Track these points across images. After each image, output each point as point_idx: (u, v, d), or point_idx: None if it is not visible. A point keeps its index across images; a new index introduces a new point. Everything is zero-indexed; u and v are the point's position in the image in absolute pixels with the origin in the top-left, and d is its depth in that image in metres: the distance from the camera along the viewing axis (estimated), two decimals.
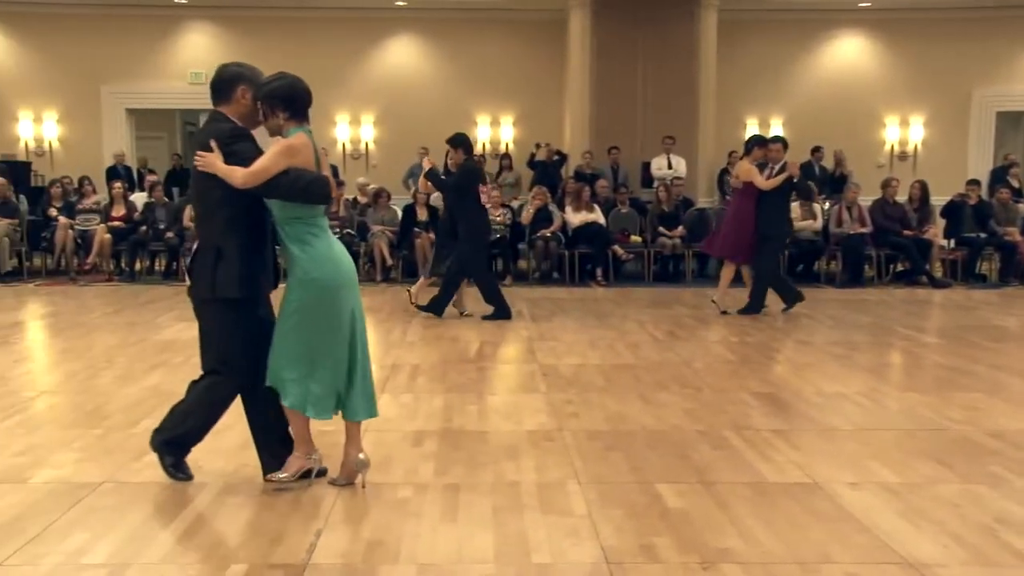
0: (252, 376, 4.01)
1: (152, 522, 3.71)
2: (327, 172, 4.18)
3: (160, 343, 7.56)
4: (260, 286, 4.05)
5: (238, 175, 3.83)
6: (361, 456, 4.06)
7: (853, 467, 4.45)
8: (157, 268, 12.95)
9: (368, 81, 16.30)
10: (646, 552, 3.43)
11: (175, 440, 4.16)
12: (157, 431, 4.20)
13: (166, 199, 13.12)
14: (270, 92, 4.00)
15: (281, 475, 4.06)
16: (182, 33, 16.19)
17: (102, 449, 4.60)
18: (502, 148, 16.17)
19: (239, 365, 4.03)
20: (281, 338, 3.95)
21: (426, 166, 9.14)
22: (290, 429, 4.07)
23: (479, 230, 9.00)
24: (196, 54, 16.16)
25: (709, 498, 4.00)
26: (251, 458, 4.45)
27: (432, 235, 12.12)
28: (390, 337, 7.97)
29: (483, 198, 9.36)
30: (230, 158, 3.87)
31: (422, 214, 12.39)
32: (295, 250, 3.92)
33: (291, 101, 4.02)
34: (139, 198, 13.65)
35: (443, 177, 9.15)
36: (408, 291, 9.54)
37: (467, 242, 8.81)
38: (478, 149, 16.01)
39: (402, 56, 16.37)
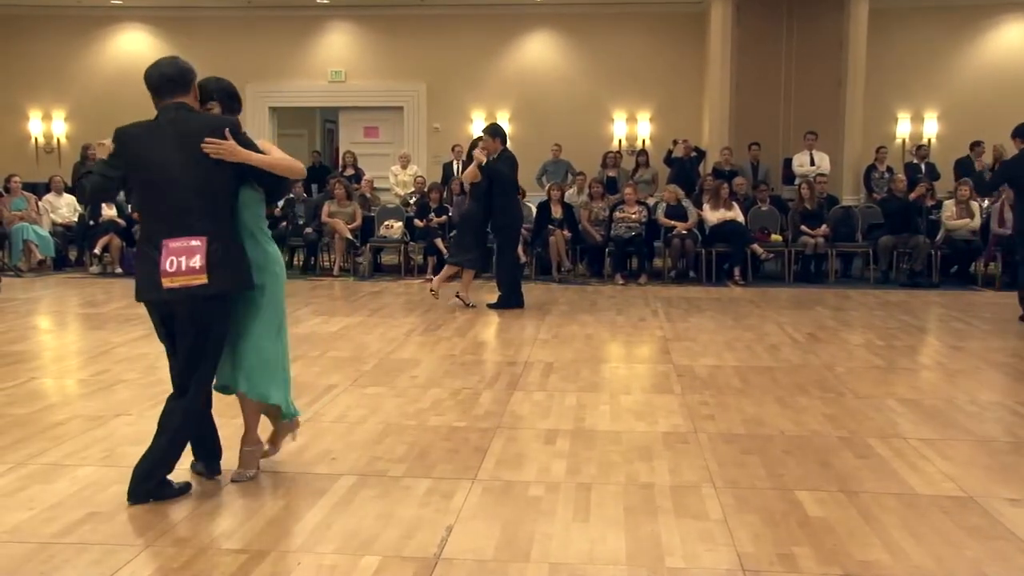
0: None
1: (288, 511, 3.83)
2: None
3: (297, 336, 7.81)
4: None
5: (282, 162, 3.98)
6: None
7: (1013, 482, 4.22)
8: (296, 263, 13.40)
9: (504, 78, 16.45)
10: (784, 561, 3.34)
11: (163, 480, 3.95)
12: (147, 479, 3.89)
13: (305, 195, 13.57)
14: (227, 89, 4.17)
15: (249, 473, 4.17)
16: (323, 33, 16.71)
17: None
18: (638, 144, 16.04)
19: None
20: (268, 330, 4.07)
21: (482, 158, 9.21)
22: (249, 420, 4.18)
23: (518, 219, 9.79)
24: (336, 53, 16.69)
25: (852, 508, 3.86)
26: (384, 451, 4.57)
27: (567, 232, 12.20)
28: (523, 335, 8.02)
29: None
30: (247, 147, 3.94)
31: (556, 211, 12.41)
32: (251, 240, 4.05)
33: (238, 99, 4.23)
34: None
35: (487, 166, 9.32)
36: (430, 280, 10.03)
37: (506, 229, 9.39)
38: (614, 145, 16.00)
39: (538, 52, 16.45)
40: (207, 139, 3.80)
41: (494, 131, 9.42)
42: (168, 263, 3.75)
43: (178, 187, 3.81)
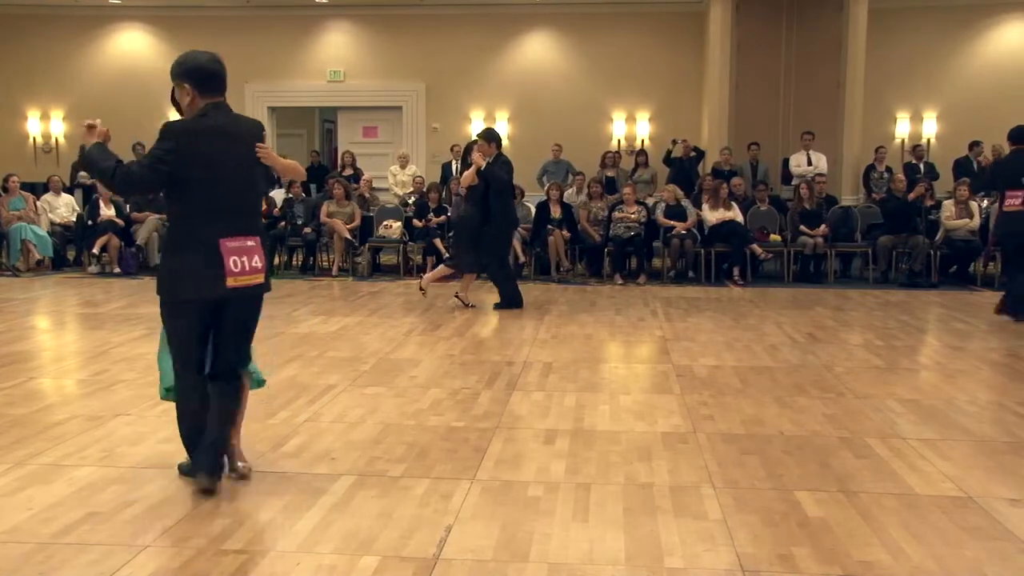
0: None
1: (288, 511, 3.83)
2: None
3: (296, 336, 7.81)
4: None
5: (295, 167, 4.22)
6: None
7: (1013, 482, 4.22)
8: (294, 263, 13.38)
9: (503, 77, 16.45)
10: (784, 562, 3.34)
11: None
12: (214, 446, 4.02)
13: (304, 195, 13.56)
14: None
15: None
16: (322, 32, 16.72)
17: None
18: (638, 144, 16.04)
19: None
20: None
21: (480, 163, 9.22)
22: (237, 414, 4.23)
23: (515, 223, 10.08)
24: (335, 52, 16.69)
25: (851, 508, 3.86)
26: (383, 451, 4.57)
27: (566, 232, 12.20)
28: (522, 335, 8.02)
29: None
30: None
31: (555, 211, 12.42)
32: None
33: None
34: (278, 194, 14.14)
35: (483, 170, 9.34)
36: (420, 286, 9.98)
37: (498, 231, 9.43)
38: (613, 145, 16.00)
39: (537, 52, 16.45)
40: (259, 145, 3.98)
41: (489, 135, 9.46)
42: (232, 263, 3.85)
43: (232, 187, 3.91)
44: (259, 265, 3.94)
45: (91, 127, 3.93)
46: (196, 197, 3.85)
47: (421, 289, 9.78)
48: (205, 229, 3.85)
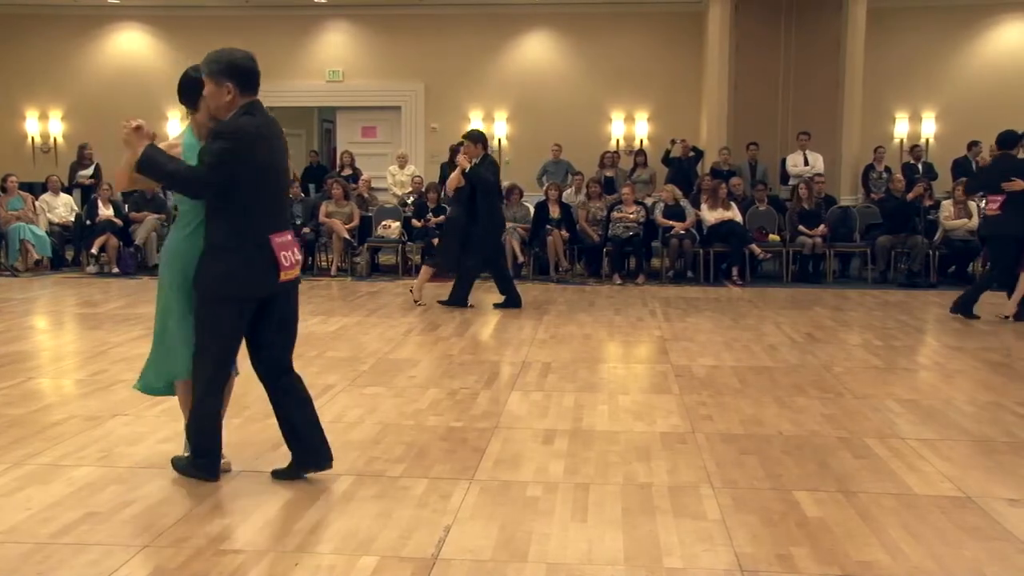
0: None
1: (287, 511, 3.83)
2: None
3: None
4: None
5: None
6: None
7: (1012, 482, 4.23)
8: None
9: (502, 77, 16.44)
10: (783, 562, 3.34)
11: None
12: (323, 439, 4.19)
13: (303, 195, 13.56)
14: None
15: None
16: (321, 32, 16.71)
17: (240, 438, 4.76)
18: (636, 144, 16.04)
19: None
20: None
21: (465, 164, 9.23)
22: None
23: (500, 223, 9.92)
24: (334, 52, 16.69)
25: (850, 508, 3.87)
26: (382, 451, 4.57)
27: (565, 232, 12.20)
28: (521, 334, 8.02)
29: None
30: None
31: (554, 211, 12.41)
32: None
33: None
34: None
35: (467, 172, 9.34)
36: (411, 291, 9.89)
37: (485, 232, 9.36)
38: (611, 145, 16.00)
39: (536, 52, 16.45)
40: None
41: (475, 137, 9.42)
42: (283, 258, 3.94)
43: (277, 184, 4.05)
44: (299, 257, 4.11)
45: (139, 128, 3.92)
46: (247, 195, 3.86)
47: (416, 301, 9.63)
48: (256, 227, 3.89)
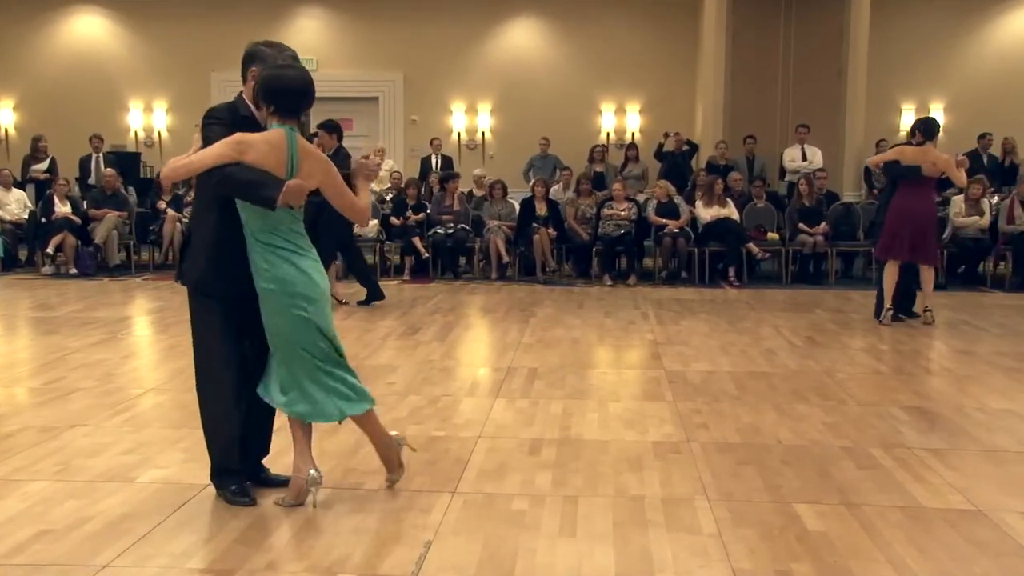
0: None
1: (258, 527, 3.82)
2: (300, 180, 4.05)
3: None
4: None
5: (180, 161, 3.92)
6: (313, 472, 3.96)
7: None
8: None
9: (486, 67, 16.46)
10: None
11: None
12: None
13: None
14: (259, 80, 4.04)
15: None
16: (292, 18, 16.64)
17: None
18: (628, 138, 16.09)
19: None
20: None
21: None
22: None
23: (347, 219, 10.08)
24: (307, 40, 16.58)
25: (854, 521, 3.88)
26: (359, 463, 4.56)
27: (552, 231, 12.22)
28: (506, 339, 8.02)
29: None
30: (204, 141, 3.92)
31: (541, 208, 12.43)
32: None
33: (274, 94, 4.01)
34: None
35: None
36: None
37: (331, 220, 9.30)
38: (601, 138, 16.04)
39: (522, 40, 16.47)
40: None
41: (330, 127, 9.29)
42: None
43: None
44: None
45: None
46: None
47: (343, 301, 9.74)
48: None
